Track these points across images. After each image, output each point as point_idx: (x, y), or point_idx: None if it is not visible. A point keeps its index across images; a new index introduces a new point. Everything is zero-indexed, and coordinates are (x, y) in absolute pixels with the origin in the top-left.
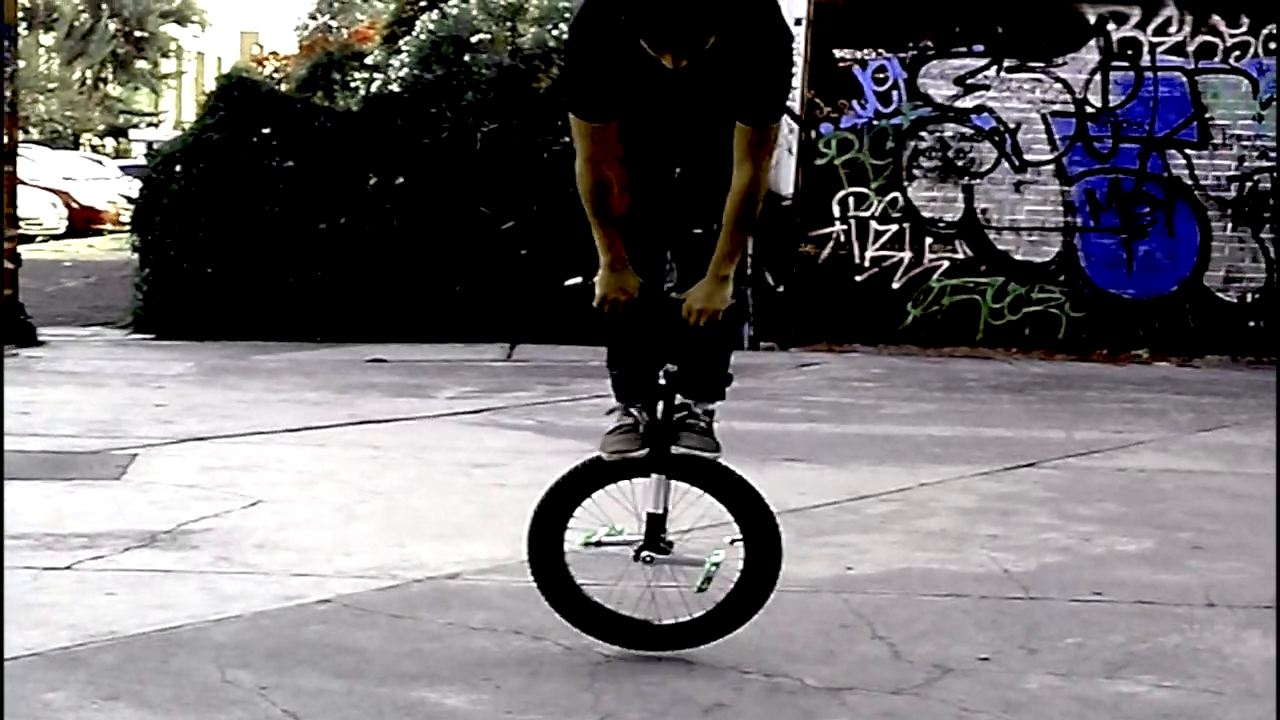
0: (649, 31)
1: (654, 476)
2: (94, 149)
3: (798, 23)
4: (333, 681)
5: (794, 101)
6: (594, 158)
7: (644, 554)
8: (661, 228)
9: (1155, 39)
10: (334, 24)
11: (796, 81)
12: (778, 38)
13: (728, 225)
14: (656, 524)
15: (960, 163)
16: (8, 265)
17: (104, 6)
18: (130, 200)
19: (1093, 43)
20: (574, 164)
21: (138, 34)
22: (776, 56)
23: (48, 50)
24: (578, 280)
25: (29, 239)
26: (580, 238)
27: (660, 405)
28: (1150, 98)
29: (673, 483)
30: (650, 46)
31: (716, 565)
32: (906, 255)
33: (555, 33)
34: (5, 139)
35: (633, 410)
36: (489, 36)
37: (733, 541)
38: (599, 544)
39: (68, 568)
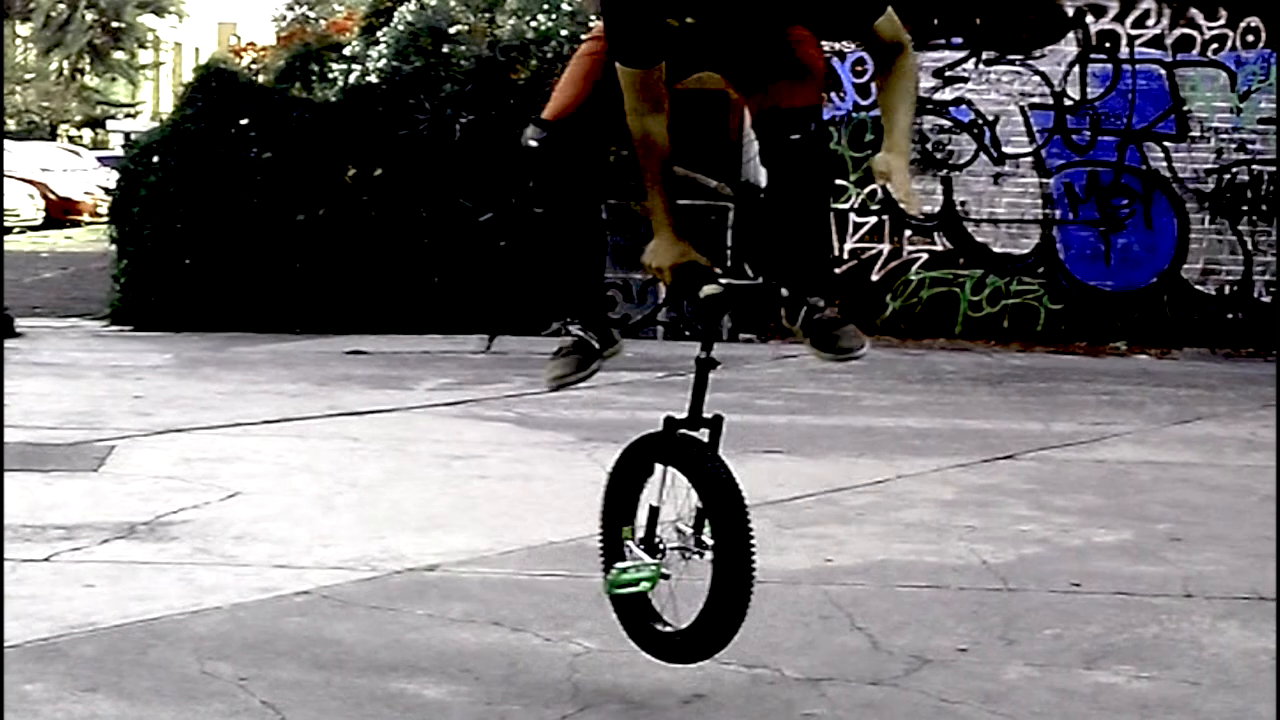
0: None
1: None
2: (71, 140)
3: None
4: (312, 673)
5: None
6: (640, 109)
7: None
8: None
9: (1133, 31)
10: (312, 15)
11: None
12: None
13: (902, 106)
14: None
15: (939, 155)
16: None
17: None
18: (108, 191)
19: (1071, 35)
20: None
21: (115, 25)
22: None
23: (24, 41)
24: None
25: (6, 230)
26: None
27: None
28: (1128, 90)
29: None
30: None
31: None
32: (885, 247)
33: (534, 24)
34: None
35: (574, 328)
36: (467, 28)
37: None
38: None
39: (46, 559)
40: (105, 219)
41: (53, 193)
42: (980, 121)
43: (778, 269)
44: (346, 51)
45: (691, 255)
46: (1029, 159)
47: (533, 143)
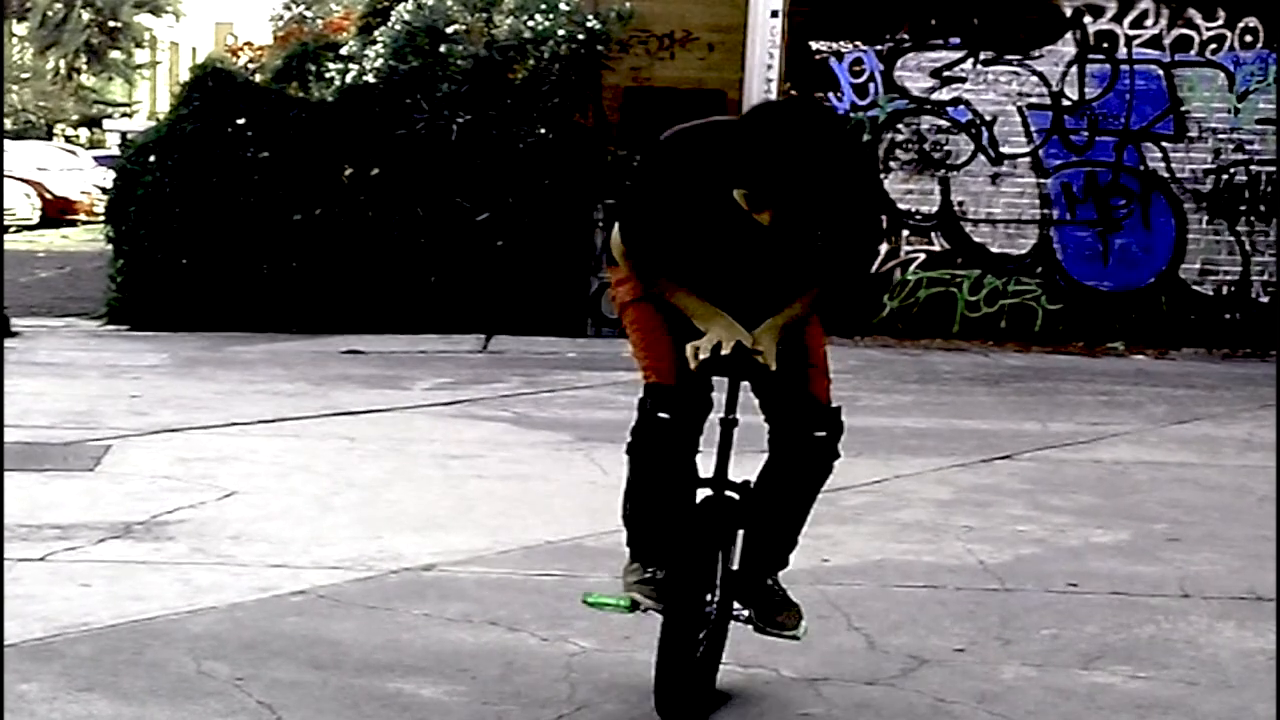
0: (758, 189)
1: None
2: (68, 139)
3: (774, 15)
4: (308, 673)
5: (769, 93)
6: (628, 258)
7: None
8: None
9: (1131, 32)
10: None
11: (774, 74)
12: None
13: (789, 312)
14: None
15: (937, 155)
16: None
17: None
18: (104, 191)
19: (1069, 35)
20: (612, 235)
21: (111, 24)
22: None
23: (21, 40)
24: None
25: (3, 229)
26: (554, 229)
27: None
28: (1126, 90)
29: None
30: (752, 203)
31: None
32: (883, 247)
33: (531, 24)
34: None
35: (652, 570)
36: (464, 27)
37: None
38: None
39: (42, 559)
40: (102, 218)
41: (49, 192)
42: (978, 121)
43: (753, 546)
44: (343, 51)
45: (742, 336)
46: (1027, 159)
47: (663, 415)
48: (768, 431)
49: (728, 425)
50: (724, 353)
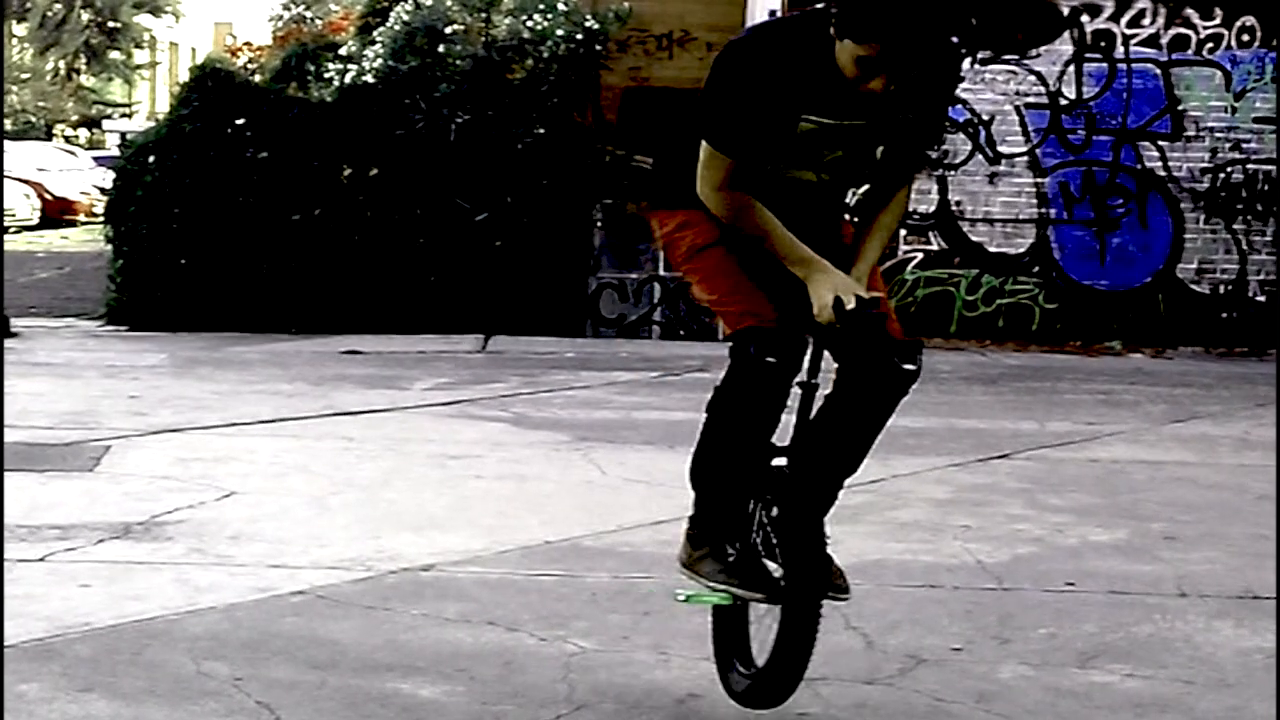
0: (885, 53)
1: None
2: (67, 140)
3: (772, 14)
4: (307, 673)
5: None
6: (725, 184)
7: None
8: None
9: (1129, 31)
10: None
11: None
12: (949, 97)
13: (882, 233)
14: None
15: (934, 154)
16: None
17: None
18: (104, 191)
19: (1066, 35)
20: (707, 199)
21: (111, 24)
22: (942, 115)
23: (20, 41)
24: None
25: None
26: (553, 229)
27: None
28: (1124, 90)
29: None
30: (864, 66)
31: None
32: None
33: (530, 24)
34: None
35: (733, 552)
36: (463, 27)
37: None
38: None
39: (41, 559)
40: (101, 219)
41: (49, 192)
42: (976, 121)
43: (812, 488)
44: (342, 51)
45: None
46: (1024, 158)
47: (771, 360)
48: (839, 367)
49: (810, 390)
50: (849, 307)
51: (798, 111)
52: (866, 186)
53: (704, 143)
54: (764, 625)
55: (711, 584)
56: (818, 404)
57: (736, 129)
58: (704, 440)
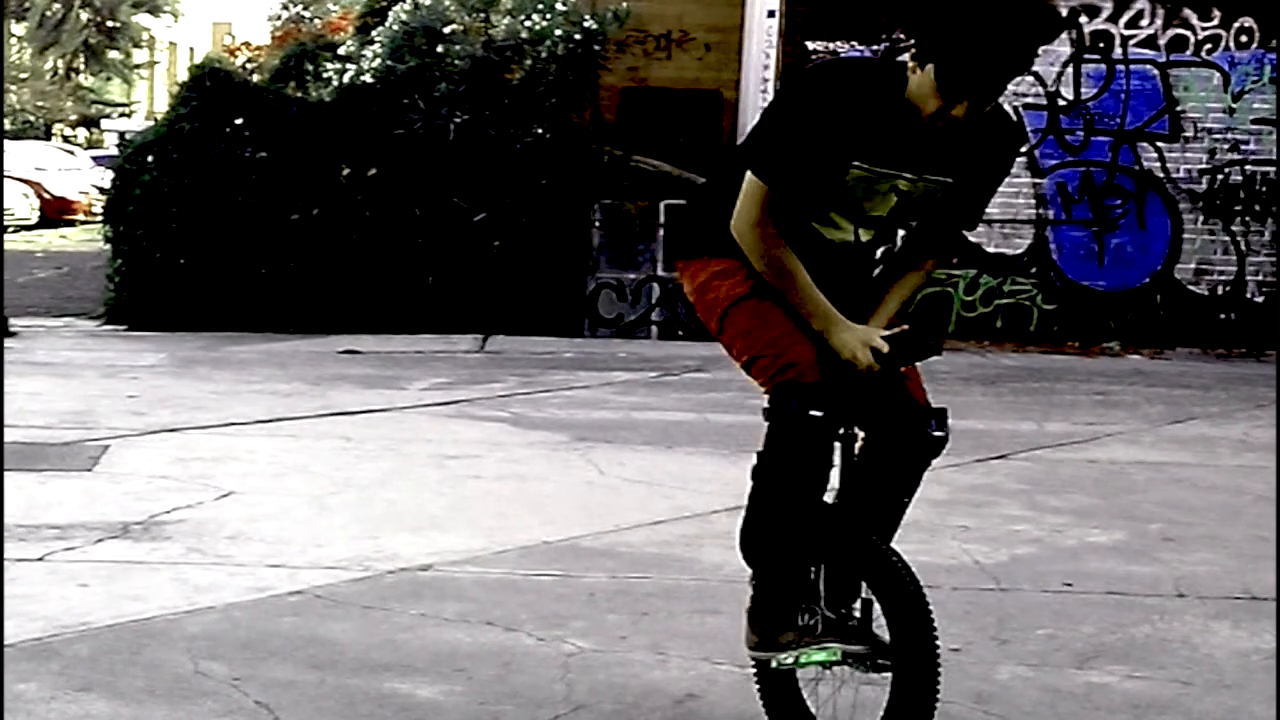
0: (964, 76)
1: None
2: (66, 139)
3: (771, 15)
4: (305, 673)
5: (765, 92)
6: (765, 220)
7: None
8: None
9: (1127, 32)
10: (307, 14)
11: (770, 74)
12: (999, 180)
13: (895, 301)
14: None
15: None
16: None
17: None
18: (102, 191)
19: (1065, 35)
20: (741, 235)
21: (110, 24)
22: (988, 194)
23: (19, 40)
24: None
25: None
26: (551, 229)
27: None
28: (1122, 91)
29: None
30: (947, 91)
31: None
32: None
33: (528, 24)
34: None
35: (814, 610)
36: (462, 27)
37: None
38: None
39: (40, 559)
40: (100, 218)
41: (47, 192)
42: None
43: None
44: (341, 51)
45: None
46: (1022, 159)
47: (816, 414)
48: (866, 436)
49: (849, 441)
50: (885, 351)
51: (854, 153)
52: (895, 249)
53: (749, 174)
54: (818, 692)
55: (802, 650)
56: (857, 454)
57: (787, 159)
58: (756, 510)
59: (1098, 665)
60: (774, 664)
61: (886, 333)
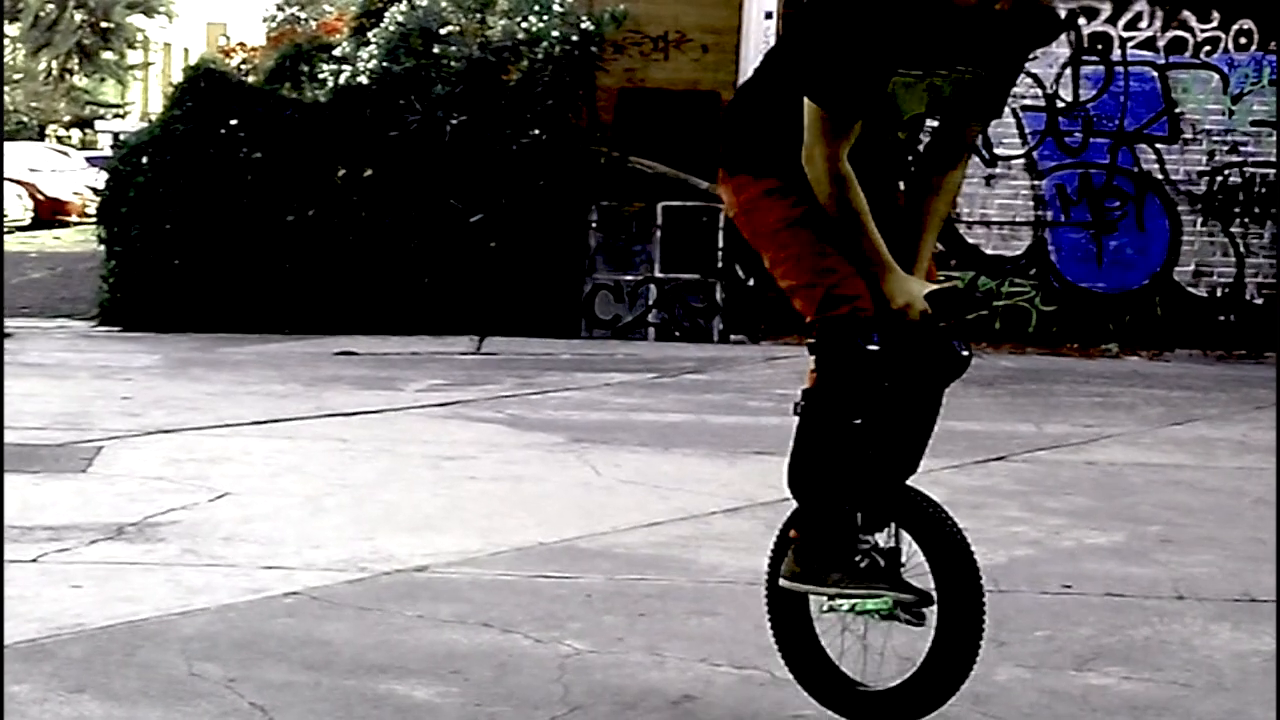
0: None
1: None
2: (60, 140)
3: (768, 16)
4: (300, 674)
5: None
6: (841, 154)
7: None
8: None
9: (1126, 34)
10: (302, 15)
11: None
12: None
13: (937, 223)
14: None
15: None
16: None
17: None
18: (97, 192)
19: (1063, 37)
20: (813, 165)
21: (104, 25)
22: (1011, 82)
23: (13, 41)
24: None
25: None
26: (548, 230)
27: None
28: (1121, 92)
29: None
30: None
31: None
32: None
33: (525, 25)
34: None
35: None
36: (458, 28)
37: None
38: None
39: (34, 560)
40: (94, 219)
41: (41, 193)
42: None
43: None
44: (337, 52)
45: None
46: (1021, 160)
47: (874, 348)
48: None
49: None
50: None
51: (899, 60)
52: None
53: (807, 101)
54: (836, 638)
55: (850, 592)
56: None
57: (844, 83)
58: (808, 443)
59: (1096, 667)
60: (825, 607)
61: (934, 286)
